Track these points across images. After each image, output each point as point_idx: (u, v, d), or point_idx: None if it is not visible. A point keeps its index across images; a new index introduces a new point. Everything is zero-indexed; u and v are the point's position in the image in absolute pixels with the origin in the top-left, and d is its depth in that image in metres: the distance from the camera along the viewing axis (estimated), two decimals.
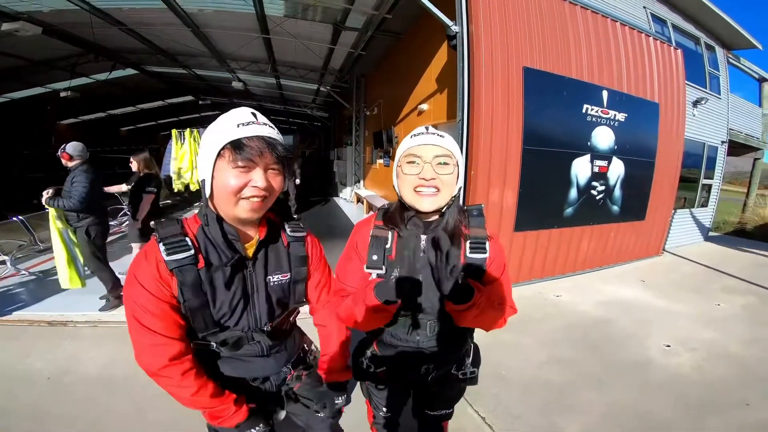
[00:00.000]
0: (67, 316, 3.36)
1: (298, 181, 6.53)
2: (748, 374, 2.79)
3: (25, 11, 6.24)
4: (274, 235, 1.05)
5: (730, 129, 8.03)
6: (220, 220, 0.93)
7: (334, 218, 9.48)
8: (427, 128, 1.07)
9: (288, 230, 1.08)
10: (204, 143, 0.89)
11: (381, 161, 9.17)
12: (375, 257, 1.09)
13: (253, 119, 0.88)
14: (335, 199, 12.98)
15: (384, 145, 8.49)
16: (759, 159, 9.84)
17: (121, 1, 6.25)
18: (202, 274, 0.91)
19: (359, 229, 1.20)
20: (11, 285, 4.12)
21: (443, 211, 1.08)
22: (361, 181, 11.88)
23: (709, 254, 6.65)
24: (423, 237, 1.10)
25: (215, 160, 0.85)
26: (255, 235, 1.01)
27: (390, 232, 1.12)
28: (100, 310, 3.47)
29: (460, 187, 1.09)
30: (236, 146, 0.84)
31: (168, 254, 0.88)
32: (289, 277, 1.07)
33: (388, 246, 1.11)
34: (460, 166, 1.06)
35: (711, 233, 8.48)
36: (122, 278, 3.22)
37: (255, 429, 1.03)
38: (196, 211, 1.01)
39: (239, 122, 0.86)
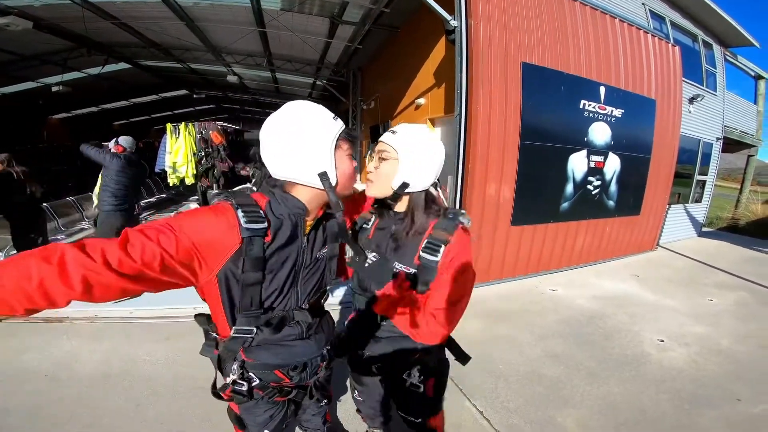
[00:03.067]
0: (63, 313, 3.33)
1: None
2: (740, 369, 2.84)
3: (17, 6, 6.11)
4: (327, 213, 1.07)
5: (726, 126, 8.09)
6: (290, 198, 0.96)
7: None
8: (397, 127, 1.14)
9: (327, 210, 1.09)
10: (306, 139, 0.90)
11: None
12: (357, 227, 1.26)
13: (332, 114, 0.97)
14: None
15: None
16: (753, 156, 9.93)
17: None
18: (267, 248, 0.91)
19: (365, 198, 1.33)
20: None
21: (391, 201, 1.16)
22: (358, 176, 11.84)
23: (702, 249, 6.73)
24: (393, 227, 1.17)
25: (334, 152, 0.93)
26: (313, 213, 1.02)
27: (373, 216, 1.25)
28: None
29: (406, 183, 1.09)
30: (349, 138, 0.98)
31: (247, 221, 0.86)
32: (326, 251, 1.09)
33: (367, 227, 1.24)
34: (404, 161, 1.08)
35: (704, 228, 8.57)
36: None
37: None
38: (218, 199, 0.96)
39: (332, 116, 0.96)
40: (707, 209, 8.39)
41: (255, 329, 0.97)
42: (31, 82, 11.30)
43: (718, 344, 3.23)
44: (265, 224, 0.89)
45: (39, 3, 6.13)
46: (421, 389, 1.23)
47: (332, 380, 1.36)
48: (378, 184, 1.11)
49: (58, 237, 5.70)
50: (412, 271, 1.10)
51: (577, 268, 5.17)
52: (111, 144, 3.86)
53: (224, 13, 6.87)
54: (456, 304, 1.07)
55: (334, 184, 0.93)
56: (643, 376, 2.70)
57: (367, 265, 1.15)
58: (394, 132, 1.11)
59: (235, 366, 1.02)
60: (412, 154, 1.08)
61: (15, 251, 3.76)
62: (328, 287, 1.15)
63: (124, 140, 3.82)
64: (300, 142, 0.90)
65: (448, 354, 1.30)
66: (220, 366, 1.04)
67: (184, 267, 0.80)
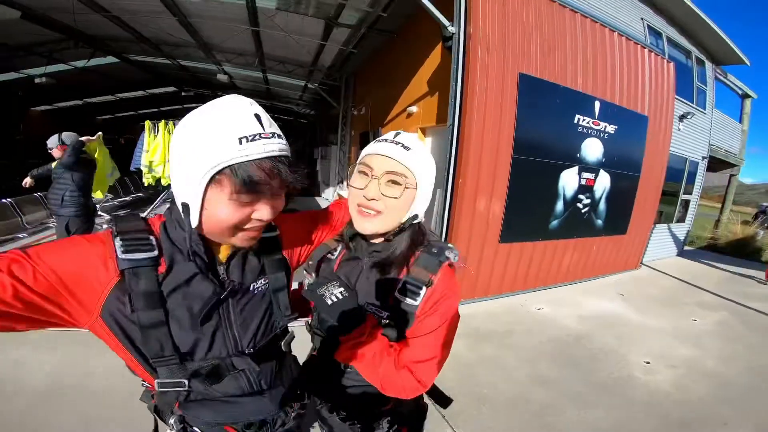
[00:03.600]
0: None
1: None
2: (726, 392, 2.84)
3: None
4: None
5: (711, 145, 8.13)
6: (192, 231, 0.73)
7: None
8: (397, 134, 0.87)
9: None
10: (186, 154, 0.65)
11: None
12: (310, 262, 0.99)
13: (259, 129, 0.65)
14: (317, 198, 12.77)
15: None
16: (734, 176, 10.14)
17: None
18: (162, 281, 0.71)
19: (332, 215, 1.10)
20: None
21: (391, 237, 0.90)
22: (344, 182, 11.71)
23: (684, 268, 6.84)
24: (365, 260, 0.94)
25: (207, 186, 0.64)
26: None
27: (340, 245, 0.99)
28: None
29: (417, 215, 0.89)
30: (244, 179, 0.63)
31: (124, 251, 0.68)
32: (267, 284, 0.86)
33: (332, 257, 0.99)
34: (422, 189, 0.87)
35: (685, 247, 8.71)
36: None
37: None
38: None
39: (242, 135, 0.62)
40: (690, 229, 8.51)
41: (185, 382, 0.77)
42: (14, 73, 10.93)
43: (704, 366, 3.23)
44: (154, 252, 0.71)
45: None
46: None
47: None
48: (389, 217, 0.85)
49: (20, 235, 5.37)
50: (385, 314, 0.90)
51: (563, 286, 5.14)
52: (53, 141, 3.45)
53: (218, 10, 6.69)
54: (437, 356, 0.88)
55: (193, 224, 0.68)
56: (631, 400, 2.66)
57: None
58: (406, 147, 0.84)
59: (172, 420, 0.84)
60: (430, 177, 0.88)
61: None
62: (280, 327, 0.89)
63: (68, 137, 3.46)
64: (179, 155, 0.67)
65: (426, 398, 1.11)
66: (159, 416, 0.87)
67: (49, 303, 0.62)
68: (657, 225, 7.04)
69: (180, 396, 0.79)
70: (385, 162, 0.83)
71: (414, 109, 6.12)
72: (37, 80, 9.70)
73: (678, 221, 7.91)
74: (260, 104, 0.72)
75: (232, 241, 0.73)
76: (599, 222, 5.26)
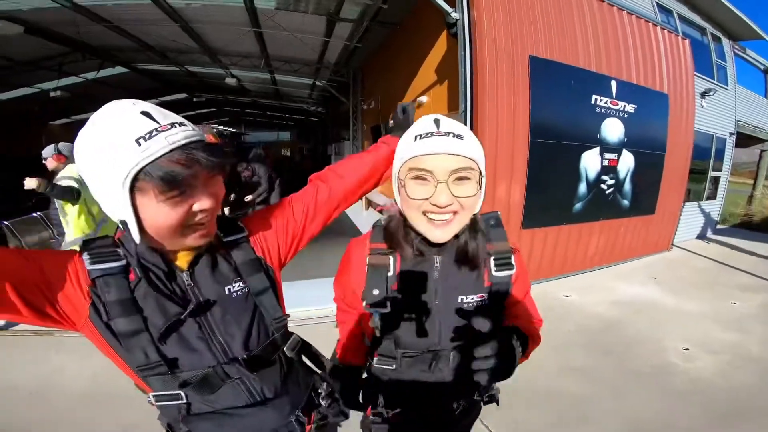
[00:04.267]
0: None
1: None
2: None
3: (4, 10, 5.99)
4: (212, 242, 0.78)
5: (738, 120, 7.89)
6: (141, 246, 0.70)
7: (333, 222, 9.34)
8: (437, 123, 0.78)
9: (222, 236, 0.80)
10: (96, 174, 0.61)
11: None
12: (376, 291, 0.85)
13: (153, 124, 0.60)
14: None
15: None
16: (766, 150, 9.68)
17: None
18: (134, 288, 0.70)
19: (353, 252, 0.96)
20: None
21: (460, 232, 0.84)
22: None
23: (718, 248, 6.52)
24: (436, 258, 0.87)
25: (130, 198, 0.60)
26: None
27: (391, 256, 0.87)
28: None
29: (482, 200, 0.84)
30: (162, 177, 0.59)
31: (91, 263, 0.67)
32: (246, 288, 0.81)
33: (390, 274, 0.86)
34: (484, 174, 0.81)
35: (718, 226, 8.35)
36: None
37: None
38: None
39: (138, 136, 0.58)
40: (721, 206, 8.16)
41: (181, 393, 0.74)
42: (28, 88, 11.24)
43: (749, 351, 3.02)
44: (122, 262, 0.69)
45: (27, 7, 5.97)
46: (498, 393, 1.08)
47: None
48: (465, 216, 0.80)
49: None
50: (478, 298, 0.87)
51: (592, 272, 4.96)
52: (48, 151, 3.20)
53: (218, 14, 6.72)
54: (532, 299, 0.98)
55: (136, 239, 0.65)
56: (671, 389, 2.51)
57: (431, 306, 0.84)
58: (459, 136, 0.76)
59: None
60: (483, 160, 0.81)
61: None
62: (277, 332, 0.83)
63: (65, 147, 3.24)
64: (90, 177, 0.63)
65: None
66: None
67: (39, 292, 0.63)
68: (687, 203, 6.75)
69: (181, 410, 0.76)
70: (446, 160, 0.75)
71: (424, 99, 6.01)
72: (51, 94, 9.95)
73: (708, 198, 7.58)
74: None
75: (186, 243, 0.70)
76: (625, 202, 5.08)
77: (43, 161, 3.25)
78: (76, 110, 14.96)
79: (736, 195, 10.57)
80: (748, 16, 7.40)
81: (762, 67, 9.38)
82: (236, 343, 0.78)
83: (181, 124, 0.64)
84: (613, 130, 4.69)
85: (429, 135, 0.76)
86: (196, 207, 0.65)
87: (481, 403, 1.09)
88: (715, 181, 7.68)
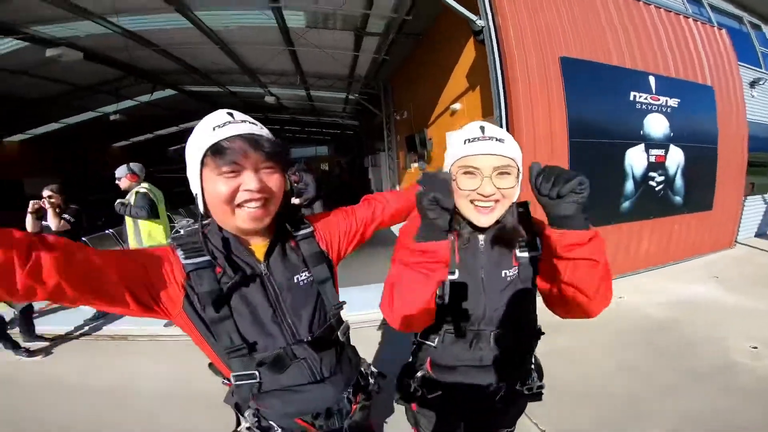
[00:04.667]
0: (126, 331, 3.52)
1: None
2: None
3: (64, 37, 6.72)
4: (284, 234, 0.94)
5: None
6: (221, 230, 0.86)
7: None
8: (482, 129, 0.93)
9: (292, 231, 0.96)
10: (186, 155, 0.81)
11: (416, 165, 9.04)
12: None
13: (229, 118, 0.79)
14: None
15: (417, 148, 8.36)
16: None
17: (150, 21, 6.58)
18: (220, 279, 0.83)
19: (407, 231, 1.04)
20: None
21: (501, 217, 0.99)
22: (397, 186, 11.80)
23: None
24: (480, 237, 1.01)
25: (200, 171, 0.78)
26: (265, 238, 0.91)
27: (450, 235, 1.00)
28: (165, 325, 3.44)
29: (519, 191, 0.98)
30: (216, 151, 0.75)
31: (185, 257, 0.81)
32: (311, 277, 0.94)
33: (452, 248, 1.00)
34: (521, 169, 0.95)
35: None
36: None
37: None
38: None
39: (215, 125, 0.78)
40: None
41: (256, 373, 0.87)
42: (91, 112, 12.30)
43: None
44: (208, 256, 0.82)
45: (84, 33, 6.66)
46: (543, 387, 1.14)
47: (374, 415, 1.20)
48: (506, 203, 0.95)
49: None
50: (516, 272, 1.01)
51: (645, 272, 4.73)
52: (122, 171, 3.47)
53: (253, 35, 7.18)
54: None
55: (201, 208, 0.82)
56: (734, 389, 2.36)
57: (480, 278, 0.99)
58: (500, 140, 0.91)
59: (248, 414, 0.93)
60: (520, 157, 0.97)
61: None
62: (333, 316, 0.97)
63: (137, 166, 3.53)
64: (186, 158, 0.82)
65: None
66: (239, 412, 0.96)
67: (141, 283, 0.76)
68: (749, 198, 6.25)
69: (253, 388, 0.88)
70: (491, 160, 0.90)
71: (457, 106, 6.04)
72: (112, 117, 10.90)
73: None
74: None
75: (237, 223, 0.81)
76: (677, 199, 4.86)
77: (117, 181, 3.54)
78: (134, 132, 16.33)
79: None
80: None
81: None
82: (302, 326, 0.91)
83: (252, 123, 0.81)
84: (656, 125, 4.57)
85: (476, 140, 0.92)
86: (242, 186, 0.77)
87: (527, 398, 1.15)
88: None
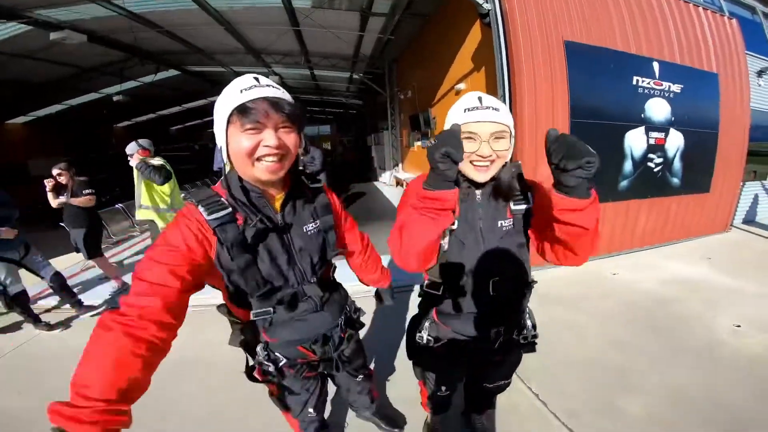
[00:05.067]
0: None
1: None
2: None
3: (68, 20, 6.66)
4: (299, 188, 1.08)
5: None
6: (241, 180, 0.97)
7: (375, 201, 9.59)
8: (480, 99, 1.04)
9: (309, 183, 1.11)
10: (214, 113, 0.92)
11: (419, 143, 9.11)
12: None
13: (255, 83, 0.90)
14: (375, 183, 13.11)
15: (421, 127, 8.41)
16: None
17: (155, 4, 6.54)
18: (243, 230, 0.95)
19: (414, 186, 1.18)
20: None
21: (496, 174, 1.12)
22: (400, 165, 11.87)
23: None
24: (477, 192, 1.14)
25: (227, 127, 0.89)
26: (280, 190, 1.04)
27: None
28: None
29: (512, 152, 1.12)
30: (242, 110, 0.86)
31: (209, 214, 0.91)
32: (319, 225, 1.11)
33: None
34: (513, 133, 1.08)
35: None
36: None
37: None
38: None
39: (242, 88, 0.88)
40: None
41: (272, 309, 1.04)
42: (95, 93, 12.28)
43: None
44: (229, 209, 0.93)
45: (89, 16, 6.62)
46: (537, 337, 1.30)
47: (366, 356, 1.50)
48: (500, 163, 1.07)
49: (133, 234, 6.27)
50: (511, 223, 1.15)
51: (641, 251, 4.88)
52: (132, 147, 3.65)
53: (259, 15, 7.12)
54: None
55: (224, 158, 0.92)
56: (718, 364, 2.49)
57: (479, 227, 1.14)
58: (496, 109, 1.03)
59: (259, 348, 1.12)
60: (512, 123, 1.09)
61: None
62: (331, 259, 1.19)
63: (146, 142, 3.75)
64: (214, 115, 0.94)
65: None
66: (248, 350, 1.13)
67: (194, 262, 0.88)
68: (748, 183, 6.31)
69: (266, 323, 1.07)
70: (489, 126, 1.02)
71: (462, 86, 6.07)
72: (115, 98, 10.90)
73: None
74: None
75: (257, 175, 0.92)
76: (675, 180, 4.96)
77: (129, 158, 3.70)
78: (137, 113, 16.30)
79: None
80: None
81: None
82: (309, 268, 1.09)
83: (276, 88, 0.92)
84: (658, 109, 4.64)
85: (475, 108, 1.03)
86: (263, 142, 0.89)
87: (522, 348, 1.30)
88: None
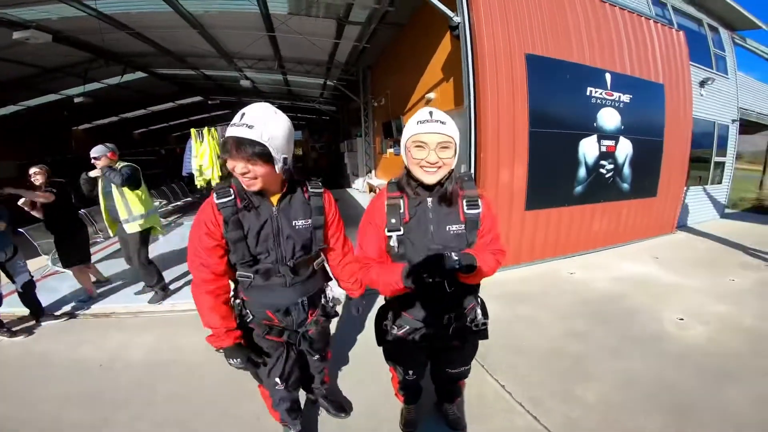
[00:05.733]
0: (109, 309, 3.59)
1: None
2: (764, 347, 2.76)
3: (34, 19, 6.35)
4: (294, 190, 1.38)
5: (742, 108, 7.98)
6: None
7: (349, 207, 9.62)
8: (431, 113, 1.24)
9: (309, 187, 1.42)
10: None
11: (391, 150, 9.25)
12: (393, 221, 1.33)
13: (237, 120, 1.14)
14: (348, 190, 13.15)
15: (394, 134, 8.56)
16: None
17: (128, 5, 6.34)
18: (239, 211, 1.27)
19: (374, 204, 1.41)
20: (53, 284, 4.30)
21: (443, 180, 1.31)
22: (373, 171, 11.95)
23: (725, 230, 6.57)
24: (429, 199, 1.34)
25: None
26: (278, 190, 1.34)
27: (401, 199, 1.35)
28: (150, 302, 3.61)
29: (456, 161, 1.31)
30: (223, 144, 1.17)
31: (218, 198, 1.27)
32: (310, 223, 1.39)
33: (401, 211, 1.34)
34: (457, 144, 1.27)
35: (727, 210, 8.40)
36: None
37: (233, 360, 1.33)
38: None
39: (233, 123, 1.14)
40: (728, 190, 8.21)
41: (251, 275, 1.34)
42: (54, 94, 11.61)
43: (741, 322, 3.15)
44: (232, 196, 1.27)
45: (56, 16, 6.34)
46: (487, 325, 1.49)
47: (330, 344, 1.78)
48: (445, 169, 1.27)
49: (98, 240, 5.97)
50: (460, 227, 1.33)
51: (596, 252, 5.20)
52: (101, 150, 3.42)
53: (234, 20, 7.05)
54: (498, 232, 1.41)
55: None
56: (665, 353, 2.71)
57: (430, 231, 1.33)
58: (443, 122, 1.23)
59: (237, 302, 1.44)
60: (458, 135, 1.29)
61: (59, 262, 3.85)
62: (315, 253, 1.46)
63: (113, 146, 3.54)
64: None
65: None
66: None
67: (217, 240, 1.30)
68: (692, 188, 6.88)
69: (245, 284, 1.38)
70: (436, 137, 1.23)
71: (432, 95, 6.27)
72: (76, 100, 10.30)
73: (714, 183, 7.70)
74: (281, 105, 1.24)
75: (243, 185, 1.25)
76: (625, 186, 5.31)
77: (94, 160, 3.45)
78: (99, 115, 15.51)
79: (748, 181, 10.53)
80: (744, 7, 7.47)
81: (766, 56, 9.31)
82: (289, 253, 1.37)
83: (249, 127, 1.12)
84: (609, 118, 4.95)
85: (426, 121, 1.23)
86: (235, 170, 1.18)
87: (475, 335, 1.47)
88: (721, 166, 7.79)
